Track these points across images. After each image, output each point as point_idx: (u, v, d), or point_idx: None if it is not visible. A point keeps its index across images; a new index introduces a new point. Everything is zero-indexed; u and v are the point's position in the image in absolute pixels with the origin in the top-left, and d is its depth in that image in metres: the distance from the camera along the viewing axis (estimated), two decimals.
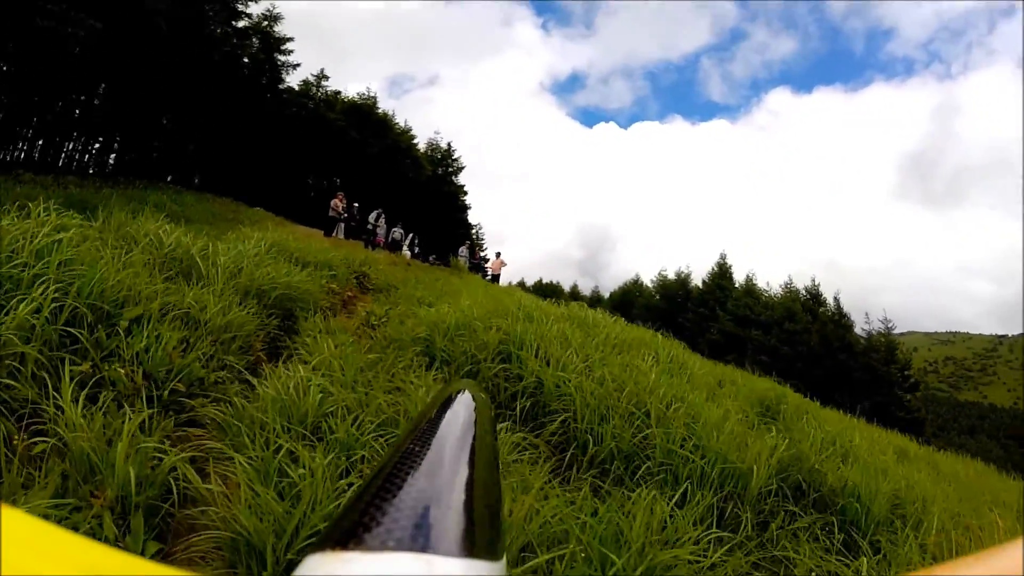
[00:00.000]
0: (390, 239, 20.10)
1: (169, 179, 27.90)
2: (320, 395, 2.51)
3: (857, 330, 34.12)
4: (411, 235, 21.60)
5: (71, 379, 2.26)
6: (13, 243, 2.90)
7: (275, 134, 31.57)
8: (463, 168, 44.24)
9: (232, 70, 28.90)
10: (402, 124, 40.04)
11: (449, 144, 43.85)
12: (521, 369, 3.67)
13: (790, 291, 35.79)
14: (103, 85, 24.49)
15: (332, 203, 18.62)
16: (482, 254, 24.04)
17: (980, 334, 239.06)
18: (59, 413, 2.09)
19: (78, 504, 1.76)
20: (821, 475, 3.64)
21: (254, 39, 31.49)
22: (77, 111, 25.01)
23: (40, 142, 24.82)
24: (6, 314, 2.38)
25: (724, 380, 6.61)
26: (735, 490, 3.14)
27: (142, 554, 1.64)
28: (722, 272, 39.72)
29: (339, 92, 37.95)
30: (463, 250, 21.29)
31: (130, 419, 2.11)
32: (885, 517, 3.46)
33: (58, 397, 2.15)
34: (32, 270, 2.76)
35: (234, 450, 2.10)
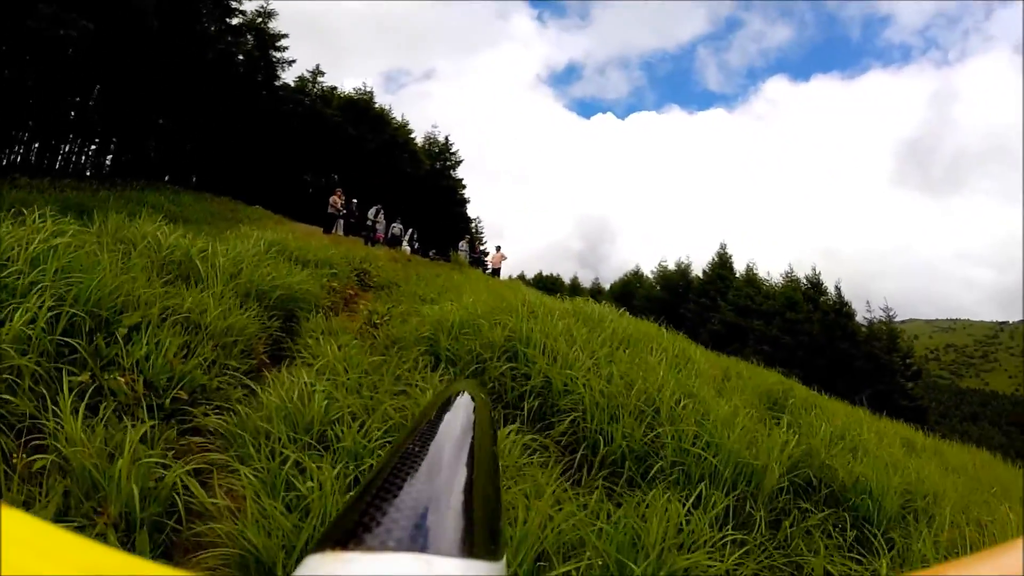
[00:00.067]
0: (390, 235, 20.00)
1: (167, 179, 27.73)
2: (325, 401, 2.46)
3: (858, 318, 34.12)
4: (411, 230, 21.50)
5: (70, 390, 2.20)
6: (8, 251, 2.84)
7: (272, 131, 31.38)
8: (461, 162, 44.02)
9: (227, 68, 28.66)
10: (399, 119, 39.84)
11: (447, 138, 43.62)
12: (528, 368, 3.61)
13: (791, 280, 35.76)
14: (97, 86, 24.30)
15: (331, 200, 18.52)
16: (482, 248, 23.95)
17: (981, 321, 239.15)
18: (59, 427, 2.04)
19: (81, 523, 1.71)
20: (832, 471, 3.59)
21: (248, 36, 31.22)
22: (72, 113, 24.82)
23: (36, 145, 24.66)
24: (1, 325, 2.32)
25: (730, 373, 6.57)
26: (748, 489, 3.10)
27: None
28: (722, 262, 39.67)
29: (335, 88, 37.74)
30: (463, 244, 21.20)
31: (132, 430, 2.06)
32: (897, 513, 3.42)
33: (57, 410, 2.10)
34: (27, 278, 2.71)
35: (239, 461, 2.05)
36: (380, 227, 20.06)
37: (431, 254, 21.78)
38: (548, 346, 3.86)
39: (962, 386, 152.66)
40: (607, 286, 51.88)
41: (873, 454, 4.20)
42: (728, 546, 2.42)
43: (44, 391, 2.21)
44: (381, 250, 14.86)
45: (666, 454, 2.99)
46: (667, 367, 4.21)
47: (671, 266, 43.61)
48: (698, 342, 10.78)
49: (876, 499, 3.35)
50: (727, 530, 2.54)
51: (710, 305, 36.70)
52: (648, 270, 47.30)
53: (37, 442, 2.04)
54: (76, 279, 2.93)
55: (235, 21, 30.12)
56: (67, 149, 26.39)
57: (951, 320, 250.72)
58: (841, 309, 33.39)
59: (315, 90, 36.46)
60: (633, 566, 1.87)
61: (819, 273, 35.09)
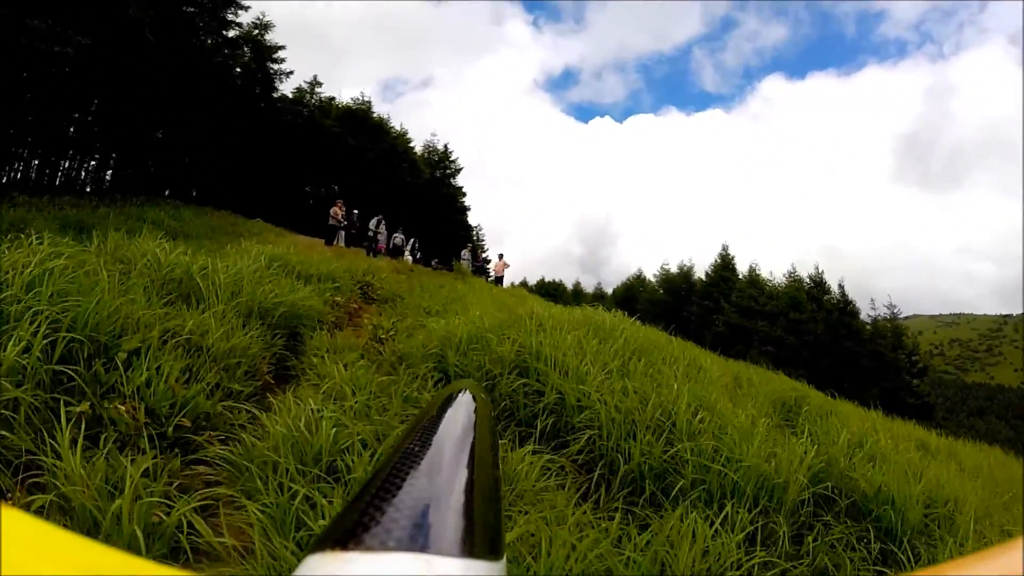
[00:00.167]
0: (391, 245, 19.92)
1: (167, 193, 27.72)
2: (333, 429, 2.36)
3: (861, 316, 33.97)
4: (412, 240, 21.42)
5: (68, 421, 2.11)
6: (2, 276, 2.76)
7: (271, 143, 31.37)
8: (461, 169, 43.91)
9: (224, 80, 28.70)
10: (398, 127, 39.83)
11: (446, 146, 43.53)
12: (540, 384, 3.52)
13: (794, 280, 35.64)
14: (96, 101, 24.33)
15: (331, 211, 18.45)
16: (484, 255, 23.87)
17: (984, 315, 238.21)
18: (57, 462, 1.95)
19: None
20: (852, 481, 3.49)
21: (245, 48, 31.29)
22: (72, 128, 24.85)
23: (35, 162, 24.66)
24: None
25: (740, 379, 6.47)
26: (770, 504, 3.00)
27: None
28: (725, 263, 39.57)
29: (333, 98, 37.76)
30: (465, 253, 21.13)
31: (133, 465, 1.97)
32: (920, 522, 3.32)
33: (56, 444, 2.01)
34: (23, 304, 2.62)
35: (246, 496, 1.96)
36: (382, 238, 19.99)
37: (433, 263, 21.72)
38: (559, 360, 3.76)
39: (968, 381, 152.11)
40: (609, 291, 51.82)
41: (892, 461, 4.10)
42: (756, 568, 2.32)
43: (40, 425, 2.12)
44: (383, 261, 14.80)
45: (686, 471, 2.89)
46: (681, 378, 4.11)
47: (673, 268, 43.55)
48: (702, 345, 10.69)
49: (899, 509, 3.25)
50: (754, 550, 2.44)
51: (714, 307, 36.59)
52: (650, 273, 47.24)
53: (35, 479, 1.96)
54: (73, 302, 2.84)
55: (232, 34, 30.18)
56: (67, 165, 26.40)
57: (955, 315, 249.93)
58: (845, 308, 33.25)
59: (313, 101, 36.50)
60: None
61: (822, 272, 35.00)
